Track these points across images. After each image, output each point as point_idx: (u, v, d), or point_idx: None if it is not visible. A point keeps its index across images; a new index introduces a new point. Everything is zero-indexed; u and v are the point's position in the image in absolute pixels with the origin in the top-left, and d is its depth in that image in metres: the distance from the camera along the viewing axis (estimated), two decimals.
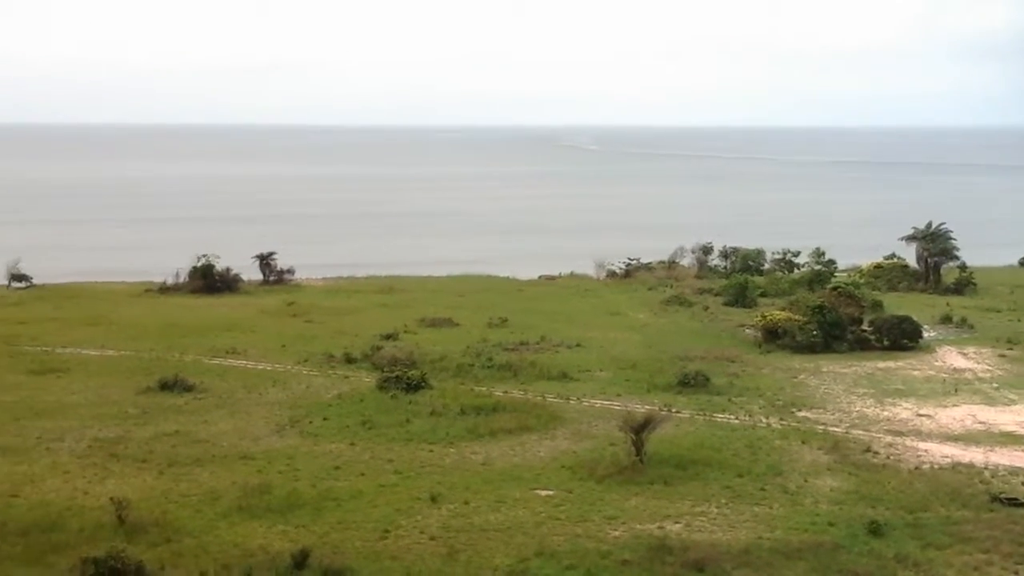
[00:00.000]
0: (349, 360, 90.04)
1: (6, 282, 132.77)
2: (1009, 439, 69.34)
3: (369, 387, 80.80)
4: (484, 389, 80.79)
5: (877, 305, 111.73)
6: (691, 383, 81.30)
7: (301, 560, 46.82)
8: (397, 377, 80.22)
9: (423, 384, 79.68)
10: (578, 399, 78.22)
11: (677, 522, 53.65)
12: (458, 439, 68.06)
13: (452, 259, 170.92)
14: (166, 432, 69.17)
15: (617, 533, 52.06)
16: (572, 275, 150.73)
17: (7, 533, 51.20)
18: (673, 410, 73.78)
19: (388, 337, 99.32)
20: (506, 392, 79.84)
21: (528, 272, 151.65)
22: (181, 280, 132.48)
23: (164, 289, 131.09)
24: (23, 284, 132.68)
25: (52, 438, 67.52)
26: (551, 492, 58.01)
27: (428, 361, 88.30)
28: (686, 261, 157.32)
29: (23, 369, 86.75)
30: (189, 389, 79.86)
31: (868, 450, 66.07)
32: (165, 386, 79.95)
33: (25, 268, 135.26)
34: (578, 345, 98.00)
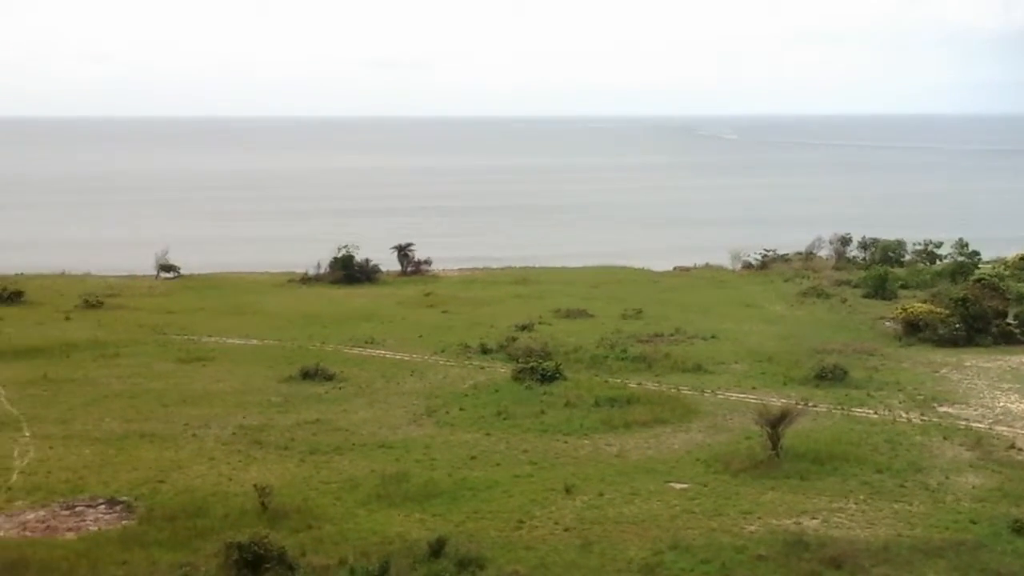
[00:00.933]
0: (485, 351, 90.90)
1: (156, 273, 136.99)
2: None
3: (504, 378, 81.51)
4: (618, 381, 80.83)
5: (1023, 298, 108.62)
6: (828, 376, 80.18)
7: (438, 548, 47.55)
8: (532, 368, 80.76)
9: (558, 375, 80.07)
10: (713, 392, 77.76)
11: (814, 518, 53.08)
12: (592, 431, 68.29)
13: (587, 250, 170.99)
14: (307, 420, 70.78)
15: (752, 528, 51.73)
16: (707, 266, 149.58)
17: (154, 518, 52.97)
18: (810, 404, 72.84)
19: (523, 328, 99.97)
20: (640, 384, 79.79)
21: (663, 263, 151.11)
22: (322, 271, 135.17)
23: (306, 280, 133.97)
24: (171, 275, 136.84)
25: (198, 425, 69.59)
26: (686, 485, 57.89)
27: (563, 352, 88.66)
28: (824, 252, 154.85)
29: (171, 358, 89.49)
30: (329, 378, 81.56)
31: (1012, 447, 64.45)
32: (307, 375, 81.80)
33: (174, 258, 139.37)
34: (713, 337, 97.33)
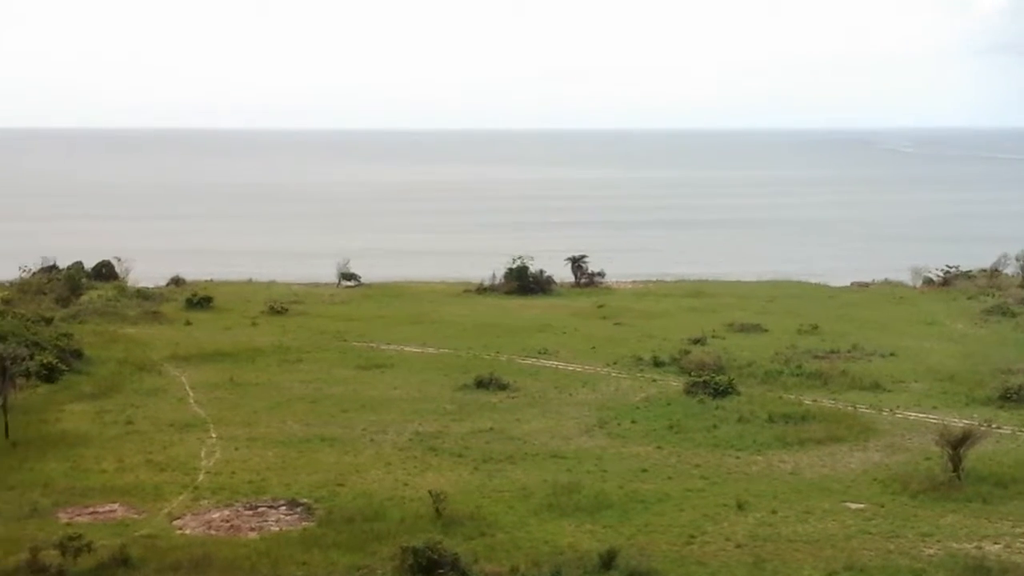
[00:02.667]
0: (657, 363, 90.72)
1: (337, 281, 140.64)
2: None
3: (676, 391, 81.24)
4: (793, 397, 79.78)
5: None
6: (1014, 398, 77.62)
7: (608, 560, 47.77)
8: (705, 382, 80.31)
9: (731, 390, 79.44)
10: (891, 410, 76.09)
11: (996, 543, 51.54)
12: (766, 447, 67.59)
13: (761, 265, 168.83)
14: (481, 429, 71.78)
15: (931, 551, 50.52)
16: (886, 282, 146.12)
17: (333, 520, 54.49)
18: (993, 426, 70.63)
19: (696, 341, 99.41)
20: (815, 401, 78.57)
21: (840, 279, 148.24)
22: (497, 282, 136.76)
23: (481, 290, 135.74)
24: (352, 283, 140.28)
25: (376, 430, 71.26)
26: (862, 505, 56.84)
27: (736, 367, 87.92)
28: (1010, 270, 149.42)
29: (351, 364, 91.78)
30: (503, 387, 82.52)
31: None
32: (481, 384, 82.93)
33: (354, 267, 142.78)
34: (891, 354, 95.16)
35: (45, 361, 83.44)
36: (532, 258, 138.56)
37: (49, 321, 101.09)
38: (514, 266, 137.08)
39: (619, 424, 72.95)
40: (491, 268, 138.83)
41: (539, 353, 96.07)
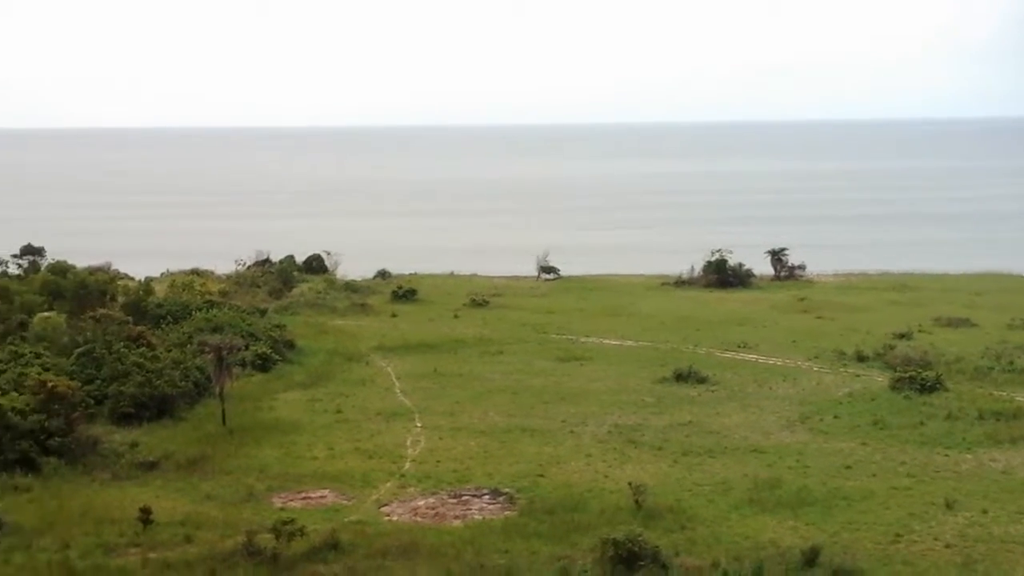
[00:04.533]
0: (860, 358, 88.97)
1: (537, 274, 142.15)
2: None
3: (881, 386, 79.54)
4: (1004, 394, 77.25)
5: None
6: None
7: (812, 558, 47.30)
8: (911, 377, 78.40)
9: (938, 386, 77.36)
10: None
11: None
12: (976, 445, 65.69)
13: (968, 258, 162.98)
14: (680, 422, 71.78)
15: None
16: None
17: (534, 510, 55.38)
18: None
19: (901, 336, 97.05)
20: None
21: None
22: (696, 275, 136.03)
23: (680, 283, 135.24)
24: (551, 276, 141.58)
25: (576, 422, 71.96)
26: None
27: (943, 362, 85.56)
28: None
29: (551, 356, 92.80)
30: (702, 381, 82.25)
31: None
32: (680, 377, 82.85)
33: (553, 261, 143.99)
34: None
35: (260, 351, 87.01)
36: (731, 251, 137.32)
37: (263, 313, 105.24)
38: (713, 259, 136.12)
39: (821, 419, 71.92)
40: (689, 262, 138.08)
41: (738, 346, 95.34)
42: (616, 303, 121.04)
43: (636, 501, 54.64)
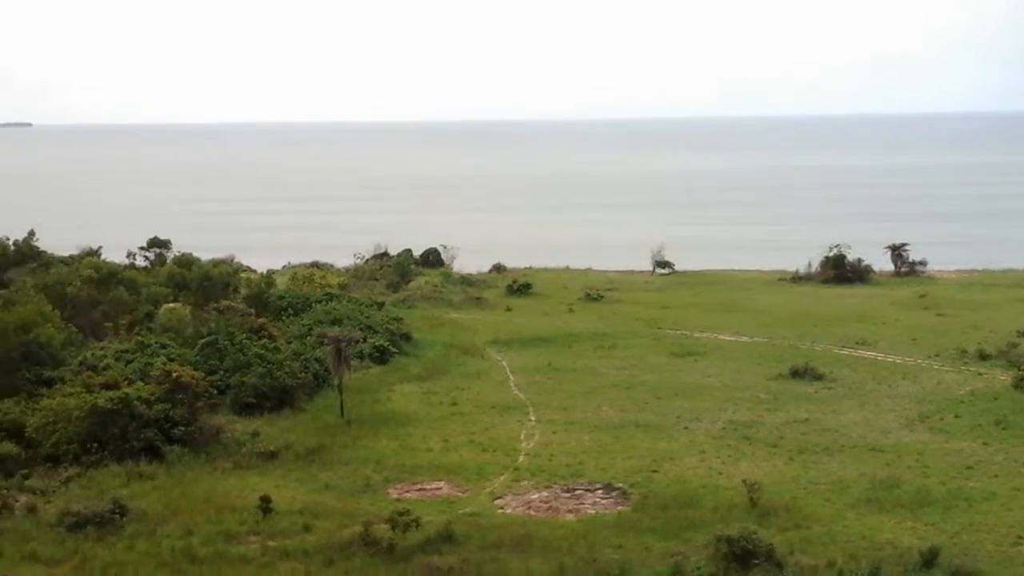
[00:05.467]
0: (983, 356, 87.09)
1: (652, 268, 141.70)
2: None
3: (1004, 385, 77.82)
4: None
5: None
6: None
7: (930, 559, 46.59)
8: None
9: None
10: None
11: None
12: None
13: None
14: (796, 419, 71.09)
15: None
16: None
17: (648, 506, 55.43)
18: None
19: None
20: None
21: None
22: (813, 270, 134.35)
23: (796, 278, 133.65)
24: (666, 271, 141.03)
25: (689, 418, 71.74)
26: None
27: None
28: None
29: (665, 351, 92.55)
30: (819, 378, 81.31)
31: None
32: (796, 374, 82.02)
33: (669, 255, 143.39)
34: None
35: (377, 344, 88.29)
36: (849, 246, 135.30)
37: (381, 306, 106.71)
38: (831, 254, 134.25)
39: (941, 418, 70.65)
40: (807, 257, 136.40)
41: (856, 343, 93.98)
42: (732, 298, 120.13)
43: (751, 498, 54.36)
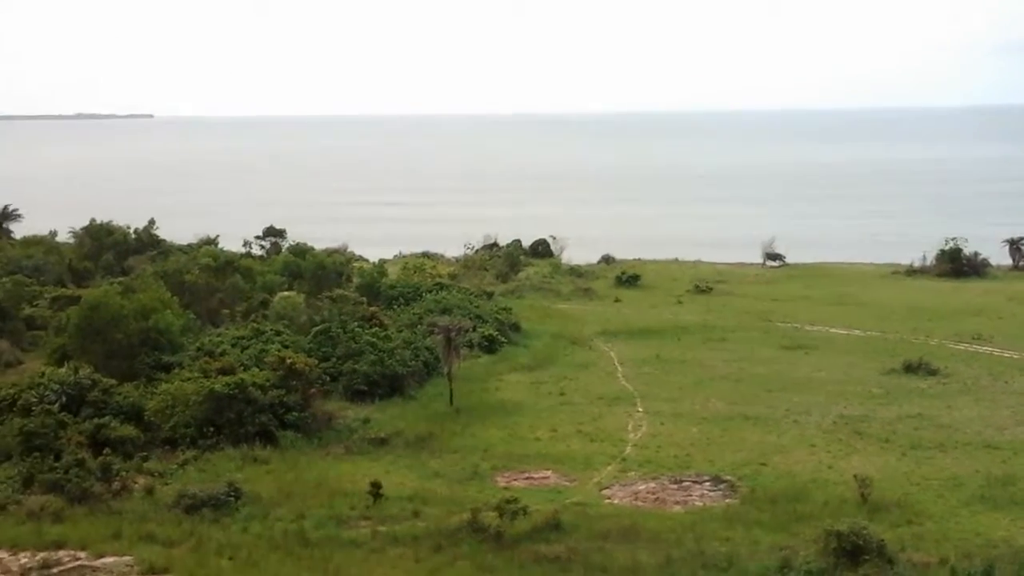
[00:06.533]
0: None
1: (762, 260, 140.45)
2: None
3: None
4: None
5: None
6: None
7: None
8: None
9: None
10: None
11: None
12: None
13: None
14: (909, 414, 69.97)
15: None
16: None
17: (756, 499, 55.05)
18: None
19: None
20: None
21: None
22: (927, 263, 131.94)
23: (911, 272, 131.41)
24: (776, 263, 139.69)
25: (799, 411, 71.05)
26: None
27: None
28: None
29: (775, 344, 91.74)
30: (933, 373, 79.95)
31: None
32: (909, 368, 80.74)
33: (778, 248, 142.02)
34: None
35: (486, 333, 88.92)
36: (966, 240, 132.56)
37: (490, 295, 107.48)
38: (946, 248, 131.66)
39: None
40: (921, 250, 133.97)
41: (973, 338, 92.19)
42: (844, 291, 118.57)
43: (861, 494, 53.70)
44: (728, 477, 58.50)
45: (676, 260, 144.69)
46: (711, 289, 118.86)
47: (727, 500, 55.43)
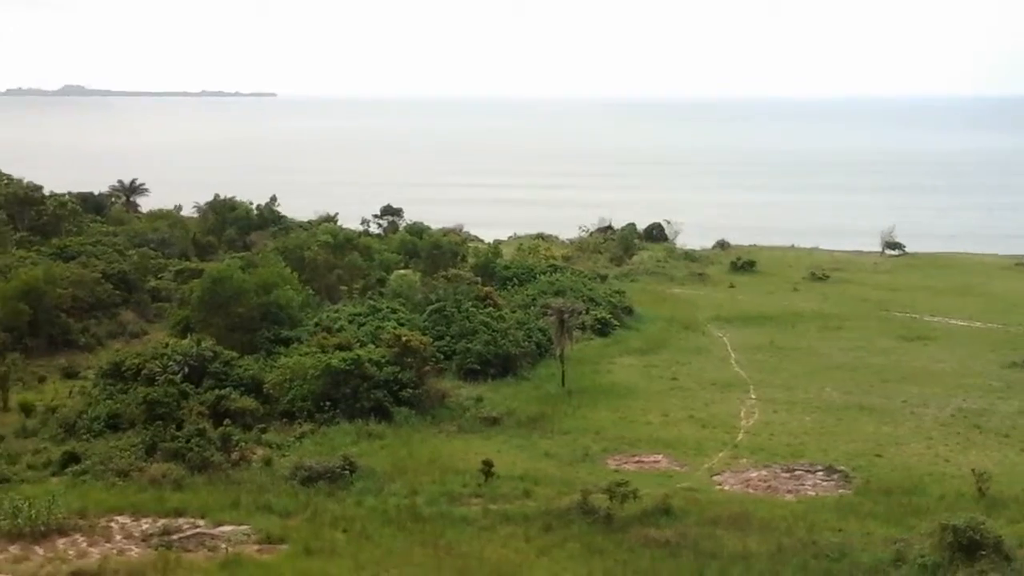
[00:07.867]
0: None
1: (880, 249, 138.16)
2: None
3: None
4: None
5: None
6: None
7: None
8: None
9: None
10: None
11: None
12: None
13: None
14: None
15: None
16: None
17: (870, 490, 54.38)
18: None
19: None
20: None
21: None
22: None
23: None
24: (896, 252, 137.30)
25: (916, 403, 69.96)
26: None
27: None
28: None
29: (893, 334, 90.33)
30: None
31: None
32: None
33: (899, 236, 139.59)
34: None
35: (599, 316, 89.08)
36: None
37: (604, 278, 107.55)
38: None
39: None
40: None
41: None
42: (964, 282, 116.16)
43: (979, 488, 52.74)
44: (842, 467, 57.89)
45: (792, 247, 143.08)
46: (827, 277, 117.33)
47: (840, 491, 54.86)
